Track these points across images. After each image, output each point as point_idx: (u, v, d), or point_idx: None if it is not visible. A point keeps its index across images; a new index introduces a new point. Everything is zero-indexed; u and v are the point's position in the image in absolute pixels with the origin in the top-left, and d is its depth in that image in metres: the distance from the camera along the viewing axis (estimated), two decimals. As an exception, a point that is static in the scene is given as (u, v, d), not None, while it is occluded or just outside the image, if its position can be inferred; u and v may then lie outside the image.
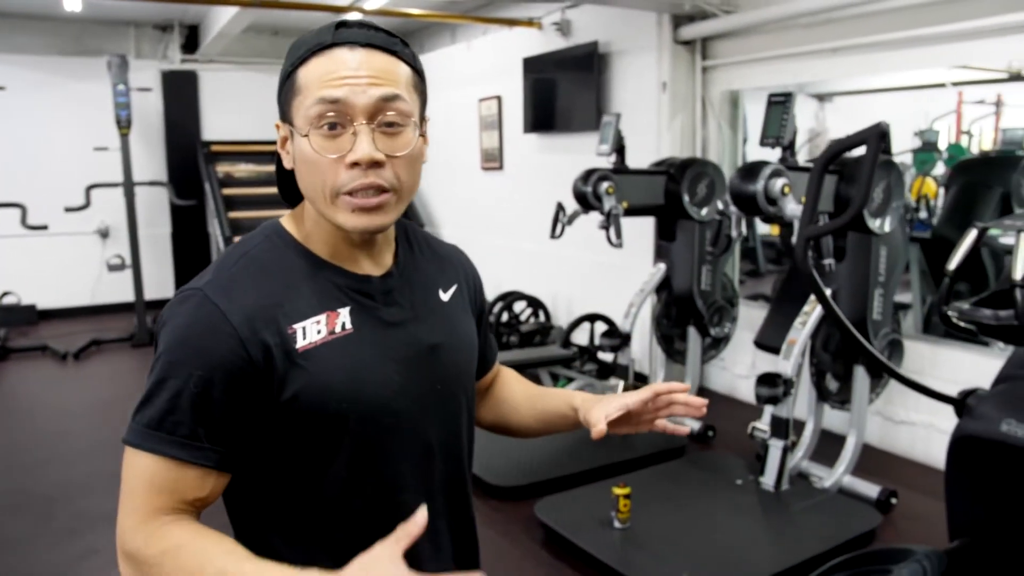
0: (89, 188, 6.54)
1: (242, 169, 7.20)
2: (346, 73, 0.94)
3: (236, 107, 7.67)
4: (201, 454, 0.94)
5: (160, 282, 7.48)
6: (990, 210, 3.86)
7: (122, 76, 6.27)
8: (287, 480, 1.01)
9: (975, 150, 6.11)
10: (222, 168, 7.08)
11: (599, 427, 1.09)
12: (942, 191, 4.91)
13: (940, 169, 5.31)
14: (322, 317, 0.99)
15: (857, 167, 3.02)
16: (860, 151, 2.56)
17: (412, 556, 0.86)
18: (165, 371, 0.95)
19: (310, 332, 0.98)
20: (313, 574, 0.85)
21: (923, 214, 4.86)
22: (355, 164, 0.94)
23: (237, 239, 6.62)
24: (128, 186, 6.34)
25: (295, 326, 0.98)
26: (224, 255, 1.04)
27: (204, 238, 7.71)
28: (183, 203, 6.91)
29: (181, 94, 7.57)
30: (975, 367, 3.41)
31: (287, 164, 1.02)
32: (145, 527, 0.92)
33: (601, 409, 1.13)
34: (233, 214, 6.69)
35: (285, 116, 1.00)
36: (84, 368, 5.84)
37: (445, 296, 1.14)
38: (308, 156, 0.96)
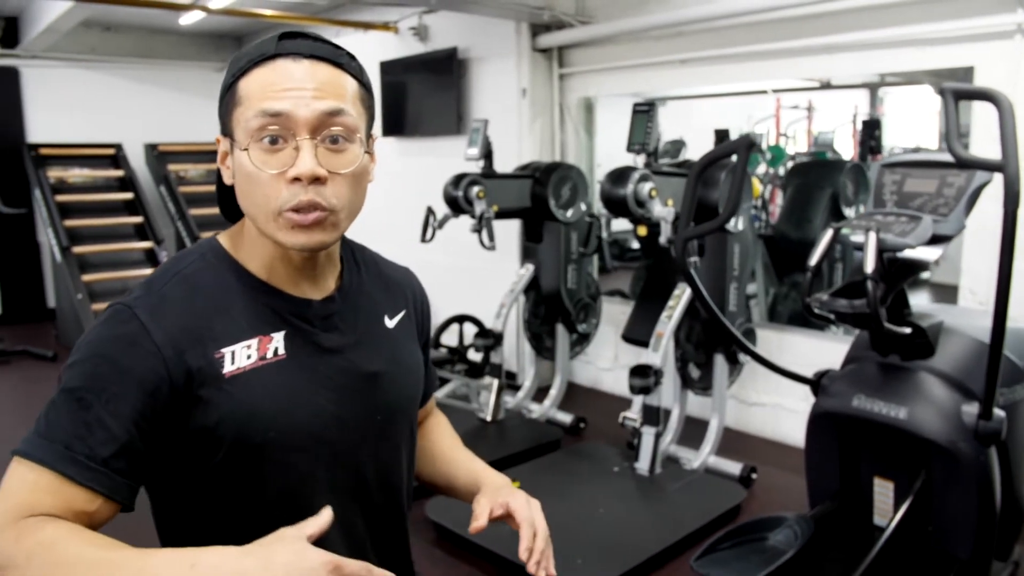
0: None
1: (76, 174, 6.70)
2: (289, 85, 0.91)
3: (67, 107, 7.10)
4: (94, 477, 0.86)
5: (-16, 299, 6.87)
6: (821, 209, 4.29)
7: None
8: (215, 508, 0.97)
9: (791, 151, 6.70)
10: (54, 173, 6.56)
11: (478, 523, 1.06)
12: (764, 189, 5.32)
13: (761, 168, 5.74)
14: (253, 341, 0.97)
15: (713, 174, 3.27)
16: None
17: None
18: (77, 382, 0.89)
19: (239, 357, 0.95)
20: (211, 552, 0.81)
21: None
22: (296, 180, 0.91)
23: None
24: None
25: (224, 350, 0.95)
26: (158, 272, 1.00)
27: (34, 249, 7.09)
28: (11, 211, 6.35)
29: (1, 92, 6.95)
30: (816, 350, 3.80)
31: (227, 179, 1.00)
32: (16, 525, 0.82)
33: (487, 503, 1.09)
34: (69, 222, 6.22)
35: (225, 130, 0.97)
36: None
37: (391, 322, 1.12)
38: (248, 171, 0.93)
